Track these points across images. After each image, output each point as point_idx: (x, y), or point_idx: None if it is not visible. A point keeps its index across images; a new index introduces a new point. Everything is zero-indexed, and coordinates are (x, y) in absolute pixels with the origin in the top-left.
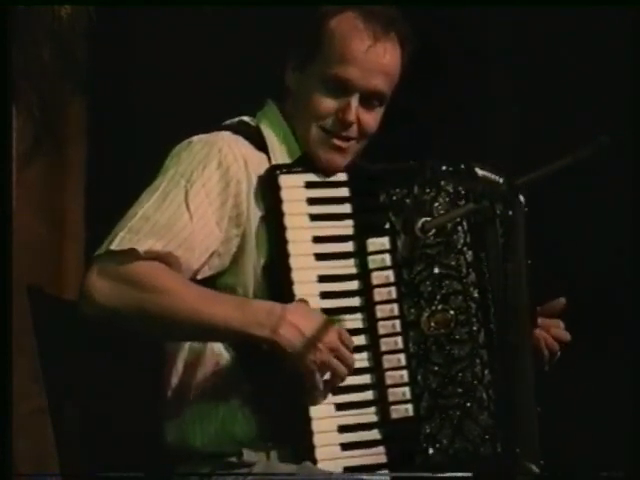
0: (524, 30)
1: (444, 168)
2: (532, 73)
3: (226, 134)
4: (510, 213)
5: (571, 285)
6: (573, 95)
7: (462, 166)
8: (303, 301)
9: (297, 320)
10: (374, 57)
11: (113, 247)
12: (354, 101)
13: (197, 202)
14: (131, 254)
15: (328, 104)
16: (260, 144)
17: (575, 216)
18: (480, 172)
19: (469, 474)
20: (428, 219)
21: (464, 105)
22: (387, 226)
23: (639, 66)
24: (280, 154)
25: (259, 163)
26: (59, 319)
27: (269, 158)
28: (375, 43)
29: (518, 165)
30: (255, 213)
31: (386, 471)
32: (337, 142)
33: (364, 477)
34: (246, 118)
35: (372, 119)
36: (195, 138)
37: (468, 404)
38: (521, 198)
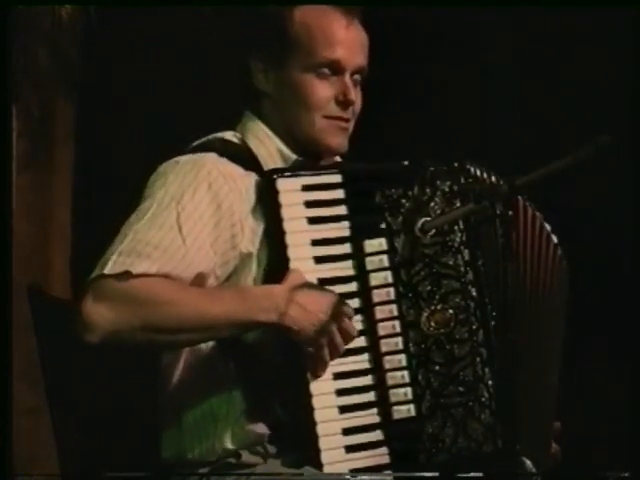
0: (524, 30)
1: (439, 167)
2: (532, 73)
3: (213, 156)
4: (510, 213)
5: (571, 285)
6: (573, 95)
7: (456, 165)
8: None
9: (300, 298)
10: (355, 34)
11: (106, 271)
12: (348, 79)
13: (190, 225)
14: (125, 276)
15: (325, 90)
16: (248, 162)
17: (574, 216)
18: (474, 171)
19: (470, 474)
20: (428, 219)
21: (464, 104)
22: (383, 226)
23: (639, 66)
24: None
25: (249, 182)
26: (59, 319)
27: (261, 175)
28: (352, 20)
29: (518, 165)
30: (252, 230)
31: (389, 472)
32: (342, 124)
33: (365, 479)
34: (228, 135)
35: (359, 97)
36: (182, 159)
37: (470, 403)
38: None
